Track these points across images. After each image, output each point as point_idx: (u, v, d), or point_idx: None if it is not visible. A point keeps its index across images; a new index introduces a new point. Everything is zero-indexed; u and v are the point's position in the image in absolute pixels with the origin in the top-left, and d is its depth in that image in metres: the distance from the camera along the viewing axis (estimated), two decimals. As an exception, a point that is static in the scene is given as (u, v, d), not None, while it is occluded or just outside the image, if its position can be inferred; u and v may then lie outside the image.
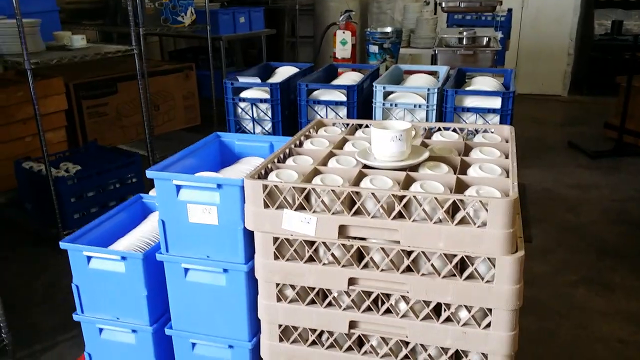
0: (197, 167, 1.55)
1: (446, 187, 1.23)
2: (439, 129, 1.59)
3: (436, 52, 3.09)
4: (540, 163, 4.80)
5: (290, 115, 1.86)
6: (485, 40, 3.19)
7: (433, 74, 2.18)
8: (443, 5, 3.92)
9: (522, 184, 1.40)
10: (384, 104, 1.77)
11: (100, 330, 1.54)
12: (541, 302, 2.89)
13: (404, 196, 1.15)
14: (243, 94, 1.86)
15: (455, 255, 1.15)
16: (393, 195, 1.15)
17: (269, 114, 1.83)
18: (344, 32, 3.45)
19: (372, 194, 1.16)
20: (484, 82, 2.02)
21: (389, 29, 3.47)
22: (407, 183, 1.25)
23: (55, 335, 2.67)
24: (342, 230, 1.20)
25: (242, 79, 1.84)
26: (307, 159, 1.42)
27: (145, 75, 4.48)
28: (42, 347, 2.65)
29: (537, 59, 6.91)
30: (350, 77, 2.06)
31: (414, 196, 1.14)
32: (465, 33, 3.20)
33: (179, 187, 1.34)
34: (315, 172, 1.33)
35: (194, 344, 1.46)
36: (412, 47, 4.58)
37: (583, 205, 4.13)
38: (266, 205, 1.23)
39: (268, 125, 1.85)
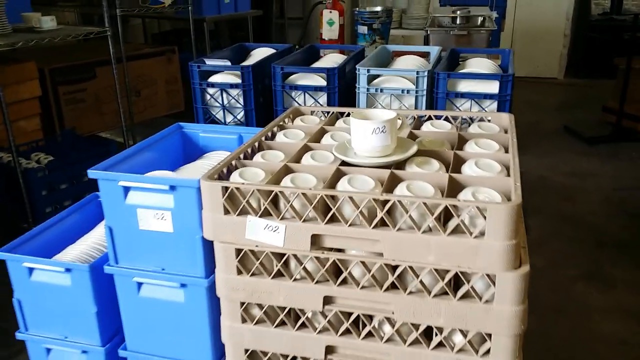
0: (155, 163, 1.36)
1: (437, 188, 1.04)
2: (430, 118, 1.40)
3: (428, 32, 2.89)
4: (535, 149, 4.63)
5: (265, 103, 1.66)
6: (480, 20, 2.99)
7: (424, 55, 1.98)
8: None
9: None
10: (368, 90, 1.56)
11: (48, 350, 1.35)
12: (538, 298, 2.73)
13: (387, 201, 0.96)
14: (212, 79, 1.65)
15: (448, 271, 0.97)
16: (374, 199, 0.97)
17: (241, 100, 1.63)
18: (330, 12, 3.24)
19: (350, 197, 0.98)
20: (479, 64, 1.82)
21: (378, 8, 3.26)
22: (391, 183, 1.07)
23: (5, 353, 2.48)
24: (316, 241, 1.02)
25: (210, 62, 1.64)
26: (278, 155, 1.23)
27: (123, 59, 4.26)
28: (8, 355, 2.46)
29: (533, 40, 6.70)
30: (332, 60, 1.86)
31: (399, 201, 0.96)
32: (459, 12, 2.99)
33: (126, 189, 1.15)
34: (286, 171, 1.14)
35: (152, 367, 1.29)
36: (403, 28, 4.37)
37: (580, 194, 3.97)
38: (227, 212, 1.04)
39: (240, 114, 1.66)
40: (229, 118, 1.69)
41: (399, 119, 1.16)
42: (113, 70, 3.62)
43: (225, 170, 1.14)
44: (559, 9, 6.58)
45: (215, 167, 1.11)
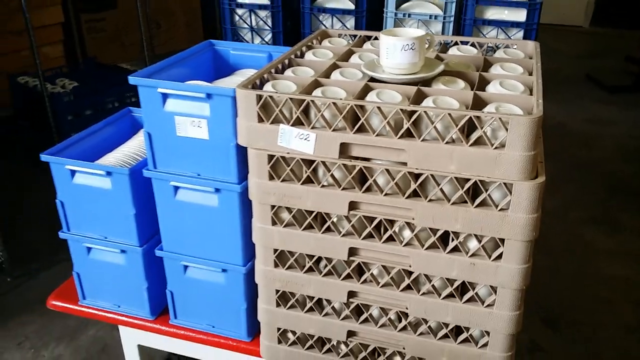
0: (188, 77, 1.42)
1: (462, 103, 1.10)
2: (456, 43, 1.43)
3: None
4: (555, 96, 4.61)
5: (293, 26, 1.70)
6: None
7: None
8: None
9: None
10: (395, 14, 1.60)
11: (89, 249, 1.46)
12: (547, 239, 2.81)
13: (414, 112, 1.02)
14: (241, -1, 1.69)
15: (467, 180, 1.04)
16: (401, 110, 1.02)
17: (269, 22, 1.66)
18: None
19: (379, 108, 1.04)
20: (507, -4, 1.83)
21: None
22: (418, 98, 1.12)
23: (52, 253, 2.64)
24: (344, 149, 1.09)
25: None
26: (308, 71, 1.28)
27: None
28: (39, 266, 2.62)
29: (560, -15, 6.52)
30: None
31: (425, 112, 1.02)
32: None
33: (165, 96, 1.21)
34: (316, 85, 1.19)
35: (185, 267, 1.39)
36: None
37: (597, 141, 3.98)
38: (260, 120, 1.11)
39: (268, 36, 1.69)
40: (257, 40, 1.73)
41: (428, 37, 1.20)
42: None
43: (258, 82, 1.19)
44: (590, -48, 6.36)
45: (249, 77, 1.17)
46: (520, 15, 1.61)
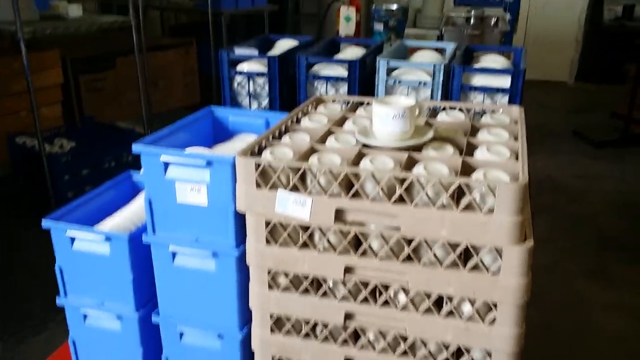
0: (188, 143, 1.47)
1: (451, 169, 1.14)
2: (445, 109, 1.50)
3: (443, 31, 2.99)
4: (543, 151, 4.71)
5: (289, 91, 1.77)
6: (493, 20, 3.08)
7: (440, 51, 2.08)
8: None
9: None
10: (387, 81, 1.67)
11: (85, 316, 1.46)
12: (541, 294, 2.82)
13: (405, 178, 1.06)
14: (240, 67, 1.76)
15: (459, 245, 1.07)
16: (394, 177, 1.07)
17: (267, 88, 1.74)
18: (348, 8, 3.34)
19: (372, 175, 1.08)
20: (492, 59, 1.92)
21: (395, 6, 3.36)
22: (409, 164, 1.17)
23: (44, 316, 2.60)
24: (339, 215, 1.12)
25: (240, 51, 1.74)
26: (304, 137, 1.33)
27: (143, 50, 4.37)
28: (32, 331, 2.59)
29: (545, 43, 6.76)
30: (352, 52, 1.97)
31: (417, 179, 1.06)
32: (473, 12, 3.08)
33: (166, 164, 1.25)
34: (312, 151, 1.24)
35: (182, 333, 1.39)
36: (418, 27, 4.46)
37: (586, 196, 4.04)
38: (258, 186, 1.14)
39: (265, 101, 1.76)
40: (255, 105, 1.79)
41: (418, 106, 1.26)
42: (135, 60, 3.74)
43: (256, 148, 1.24)
44: (572, 13, 6.64)
45: (248, 145, 1.21)
46: (505, 81, 1.69)
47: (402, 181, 1.06)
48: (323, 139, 1.31)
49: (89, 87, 4.58)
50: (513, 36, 4.58)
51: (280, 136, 1.36)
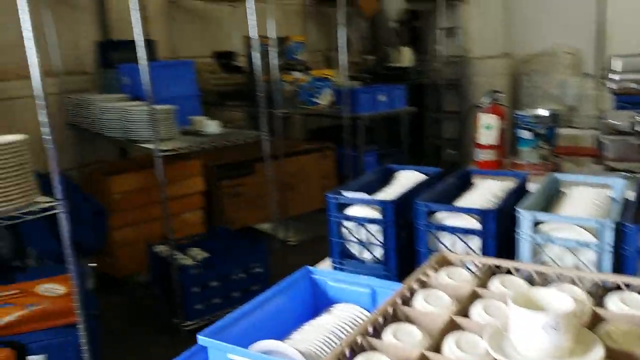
0: (285, 310, 1.28)
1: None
2: (619, 287, 1.09)
3: (601, 140, 2.51)
4: None
5: (408, 240, 1.49)
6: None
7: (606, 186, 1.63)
8: (614, 87, 3.25)
9: None
10: (532, 238, 1.29)
11: None
12: None
13: None
14: (349, 211, 1.52)
15: None
16: None
17: (380, 237, 1.47)
18: (488, 116, 3.02)
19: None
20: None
21: (543, 112, 2.96)
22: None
23: None
24: None
25: (348, 194, 1.52)
26: (413, 332, 1.03)
27: (281, 156, 4.46)
28: None
29: None
30: (489, 189, 1.63)
31: None
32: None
33: (233, 358, 1.03)
34: None
35: None
36: (573, 127, 3.96)
37: None
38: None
39: (380, 252, 1.50)
40: (366, 255, 1.54)
41: (579, 310, 0.88)
42: (268, 168, 3.79)
43: (348, 351, 0.96)
44: None
45: (335, 349, 0.94)
46: None
47: None
48: (438, 340, 0.98)
49: (229, 192, 4.73)
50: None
51: (385, 323, 1.06)
